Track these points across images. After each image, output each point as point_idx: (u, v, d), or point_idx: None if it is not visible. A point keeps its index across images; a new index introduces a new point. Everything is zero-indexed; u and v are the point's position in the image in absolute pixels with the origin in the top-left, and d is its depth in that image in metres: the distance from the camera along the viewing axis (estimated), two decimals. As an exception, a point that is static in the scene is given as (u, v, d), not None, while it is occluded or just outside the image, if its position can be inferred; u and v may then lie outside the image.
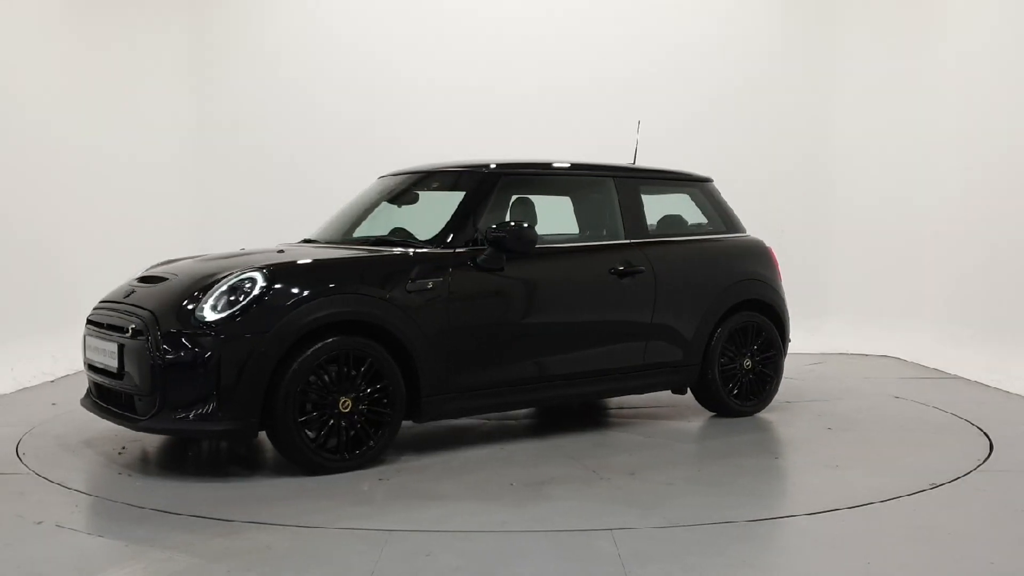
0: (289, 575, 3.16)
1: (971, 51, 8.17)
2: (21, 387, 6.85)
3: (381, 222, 5.54)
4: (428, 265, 4.73)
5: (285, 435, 4.29)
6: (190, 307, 4.32)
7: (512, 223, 4.91)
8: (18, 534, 3.57)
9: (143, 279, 4.88)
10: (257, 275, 4.38)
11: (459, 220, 5.01)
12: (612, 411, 6.10)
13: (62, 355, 7.43)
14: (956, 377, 7.50)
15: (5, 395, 6.60)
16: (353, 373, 4.42)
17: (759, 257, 6.10)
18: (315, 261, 4.70)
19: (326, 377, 4.36)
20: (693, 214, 6.07)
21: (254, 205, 9.14)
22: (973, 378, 7.32)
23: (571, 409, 6.20)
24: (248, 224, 8.75)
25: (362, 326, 4.48)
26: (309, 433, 4.34)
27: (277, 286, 4.35)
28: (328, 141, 9.17)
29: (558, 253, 5.36)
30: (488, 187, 5.17)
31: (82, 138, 8.40)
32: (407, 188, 5.65)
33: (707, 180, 6.21)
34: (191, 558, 3.30)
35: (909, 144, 8.96)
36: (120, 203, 8.80)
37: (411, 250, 4.84)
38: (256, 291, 4.31)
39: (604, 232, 5.66)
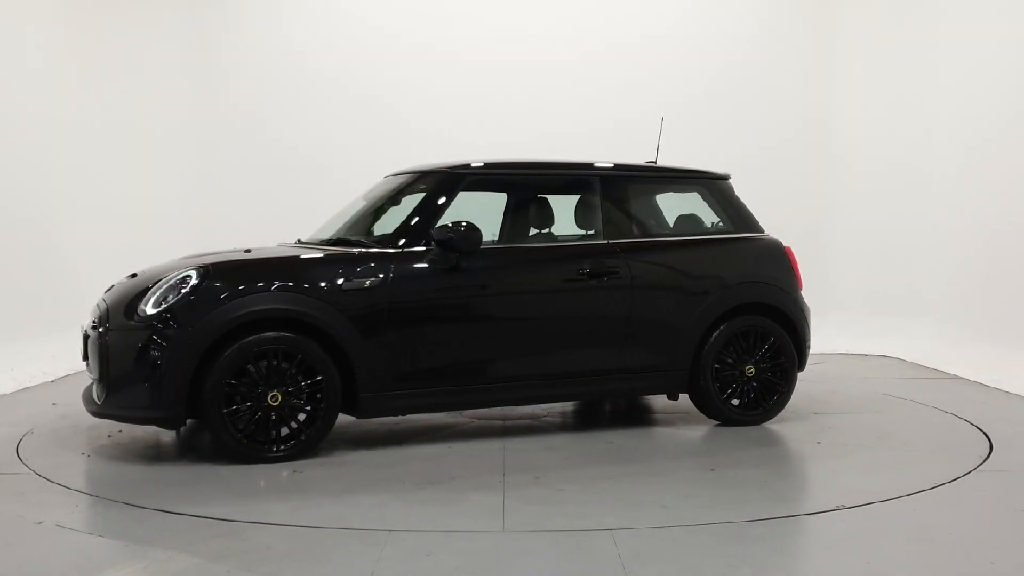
0: (289, 575, 3.17)
1: (973, 55, 8.17)
2: (21, 387, 6.85)
3: (383, 221, 5.53)
4: (368, 264, 4.83)
5: (212, 425, 4.52)
6: (137, 302, 4.64)
7: (463, 223, 4.92)
8: (18, 534, 3.58)
9: (131, 275, 5.09)
10: (193, 273, 4.64)
11: (414, 220, 5.08)
12: (658, 414, 5.94)
13: (62, 355, 7.43)
14: (956, 377, 7.49)
15: (5, 395, 6.60)
16: (284, 367, 4.58)
17: (769, 258, 5.78)
18: (250, 260, 4.89)
19: (254, 371, 4.55)
20: (706, 213, 5.87)
21: (257, 205, 9.14)
22: (973, 378, 7.32)
23: (617, 407, 6.17)
24: (252, 224, 8.75)
25: (295, 323, 4.63)
26: (238, 424, 4.56)
27: (209, 283, 4.59)
28: (336, 139, 9.17)
29: (521, 253, 5.35)
30: (449, 187, 5.20)
31: (83, 138, 8.40)
32: (398, 189, 5.62)
33: (717, 178, 5.90)
34: (191, 558, 3.30)
35: (909, 146, 8.96)
36: (121, 203, 8.80)
37: (356, 250, 4.96)
38: (189, 288, 4.58)
39: (585, 232, 5.55)
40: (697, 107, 9.13)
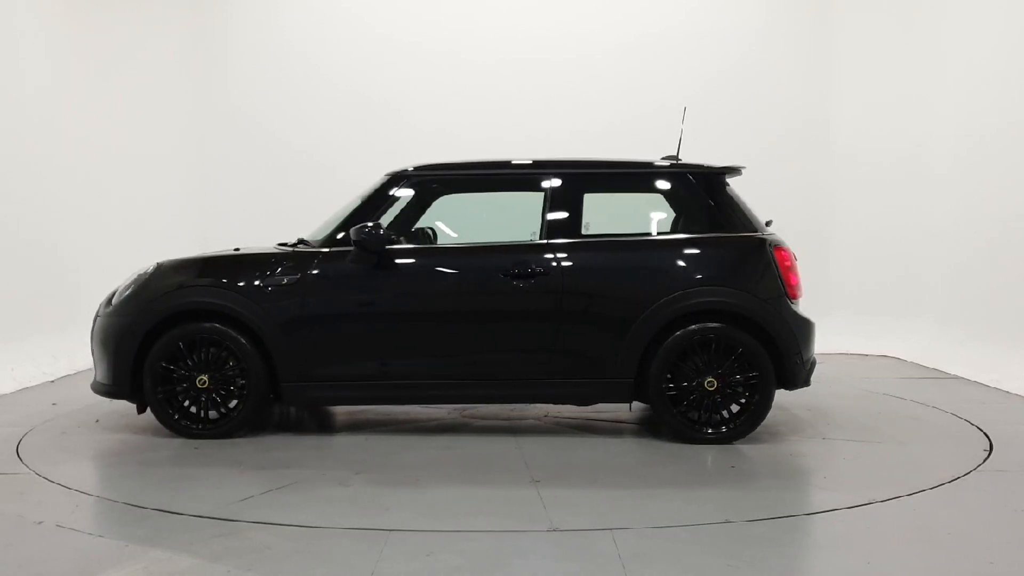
0: (289, 575, 3.17)
1: (977, 52, 8.17)
2: (21, 387, 6.85)
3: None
4: (290, 263, 5.19)
5: (149, 402, 5.16)
6: (116, 292, 5.32)
7: (373, 225, 5.07)
8: (18, 534, 3.58)
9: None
10: (151, 267, 5.28)
11: (350, 221, 5.26)
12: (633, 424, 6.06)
13: (62, 355, 7.43)
14: (956, 377, 7.50)
15: (5, 395, 6.60)
16: (213, 355, 5.11)
17: (742, 261, 5.21)
18: (194, 258, 5.38)
19: (188, 357, 5.11)
20: (693, 211, 5.66)
21: (257, 205, 9.15)
22: (973, 378, 7.32)
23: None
24: (252, 225, 8.76)
25: (223, 315, 5.12)
26: (177, 401, 5.17)
27: (158, 277, 5.21)
28: (336, 139, 9.17)
29: (442, 253, 5.35)
30: (385, 189, 5.39)
31: (82, 138, 8.39)
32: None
33: (695, 173, 5.45)
34: (191, 558, 3.30)
35: (910, 145, 8.96)
36: (122, 203, 8.80)
37: (283, 249, 5.37)
38: (143, 280, 5.21)
39: (527, 232, 5.43)
40: (699, 105, 9.07)
